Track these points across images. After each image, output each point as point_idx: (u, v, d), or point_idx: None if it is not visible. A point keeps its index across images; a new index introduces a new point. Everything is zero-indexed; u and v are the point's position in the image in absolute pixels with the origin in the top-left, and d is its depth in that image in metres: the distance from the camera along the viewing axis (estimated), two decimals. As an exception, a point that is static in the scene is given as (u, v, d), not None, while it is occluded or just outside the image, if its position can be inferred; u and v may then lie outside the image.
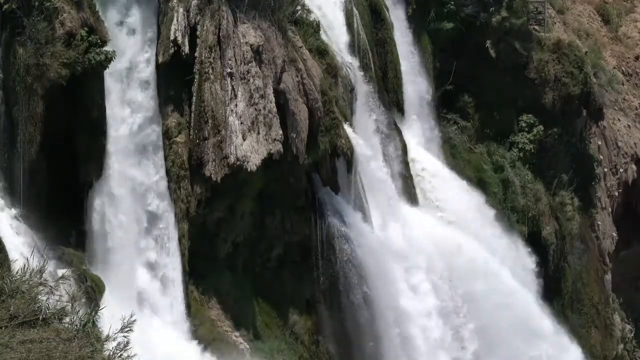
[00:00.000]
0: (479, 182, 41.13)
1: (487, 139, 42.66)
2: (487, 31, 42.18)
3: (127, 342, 13.27)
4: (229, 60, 29.25)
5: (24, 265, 13.70)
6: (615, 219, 48.47)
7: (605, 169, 47.58)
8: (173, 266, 28.69)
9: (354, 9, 36.31)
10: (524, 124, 43.04)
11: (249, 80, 29.59)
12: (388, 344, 33.29)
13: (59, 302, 13.72)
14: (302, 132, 30.69)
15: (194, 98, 28.88)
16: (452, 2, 40.73)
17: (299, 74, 31.13)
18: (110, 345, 13.20)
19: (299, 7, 33.00)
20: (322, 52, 33.56)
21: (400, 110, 38.95)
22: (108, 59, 26.45)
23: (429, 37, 41.02)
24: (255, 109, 29.51)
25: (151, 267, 28.47)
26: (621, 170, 48.80)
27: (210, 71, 28.94)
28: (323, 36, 34.27)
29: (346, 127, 33.31)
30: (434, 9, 40.82)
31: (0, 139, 26.09)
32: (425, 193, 38.57)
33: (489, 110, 42.66)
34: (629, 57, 52.34)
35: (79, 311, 13.74)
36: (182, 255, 28.80)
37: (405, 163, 37.33)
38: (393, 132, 37.02)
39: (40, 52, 25.64)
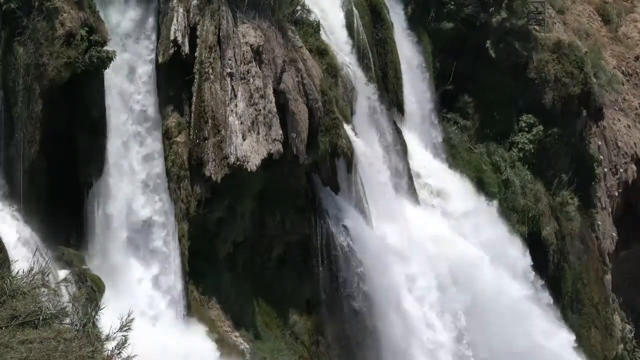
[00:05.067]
0: (478, 182, 41.14)
1: (487, 139, 42.66)
2: (487, 31, 42.18)
3: (125, 340, 13.27)
4: (229, 60, 29.26)
5: (31, 268, 13.71)
6: (615, 219, 48.46)
7: (605, 169, 47.57)
8: (173, 266, 28.68)
9: (354, 9, 36.31)
10: (524, 124, 43.03)
11: (249, 80, 29.59)
12: (388, 344, 33.29)
13: (59, 303, 13.72)
14: (302, 132, 30.69)
15: (194, 98, 28.88)
16: (452, 2, 40.74)
17: (299, 74, 31.13)
18: (110, 345, 13.21)
19: (299, 7, 33.01)
20: (322, 52, 33.56)
21: (400, 110, 38.94)
22: (108, 58, 26.46)
23: (429, 37, 41.02)
24: (255, 109, 29.52)
25: (151, 267, 28.47)
26: (621, 170, 48.79)
27: (210, 71, 28.94)
28: (323, 36, 34.27)
29: (346, 127, 33.31)
30: (434, 9, 40.83)
31: (1, 139, 26.08)
32: (425, 193, 38.57)
33: (489, 110, 42.65)
34: (629, 57, 52.33)
35: (79, 311, 13.74)
36: (182, 255, 28.80)
37: (405, 163, 37.33)
38: (393, 132, 37.01)
39: (40, 52, 25.65)
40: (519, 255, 40.24)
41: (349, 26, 36.12)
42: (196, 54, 28.98)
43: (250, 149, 29.16)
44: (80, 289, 24.49)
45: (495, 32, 42.21)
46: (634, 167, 49.47)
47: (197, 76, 28.89)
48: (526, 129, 43.02)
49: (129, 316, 13.22)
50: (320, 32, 34.12)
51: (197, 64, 28.93)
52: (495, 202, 40.84)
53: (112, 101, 27.59)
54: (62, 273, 24.84)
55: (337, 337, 33.02)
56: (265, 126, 29.65)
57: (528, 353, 37.98)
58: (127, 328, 13.23)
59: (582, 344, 42.31)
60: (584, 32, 49.45)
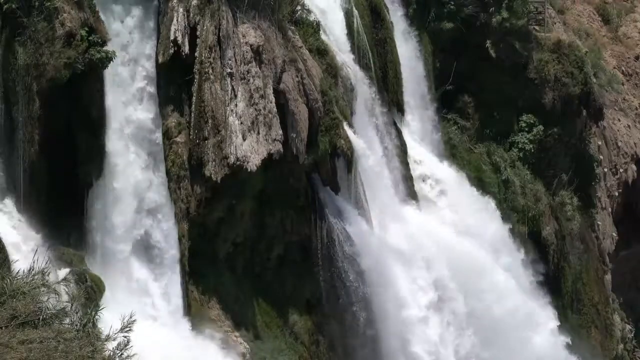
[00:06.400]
0: (478, 182, 41.14)
1: (487, 139, 42.66)
2: (487, 31, 42.18)
3: (127, 342, 13.27)
4: (229, 60, 29.25)
5: (30, 267, 13.71)
6: (615, 219, 48.48)
7: (605, 169, 47.58)
8: (173, 266, 28.67)
9: (354, 9, 36.31)
10: (524, 124, 43.04)
11: (249, 80, 29.59)
12: (387, 344, 33.30)
13: (59, 303, 13.72)
14: (302, 132, 30.69)
15: (194, 98, 28.87)
16: (452, 2, 40.73)
17: (299, 74, 31.13)
18: (111, 345, 13.20)
19: (298, 7, 33.00)
20: (322, 52, 33.56)
21: (400, 110, 38.96)
22: (108, 58, 26.46)
23: (429, 37, 41.02)
24: (255, 109, 29.51)
25: (151, 267, 28.46)
26: (621, 170, 48.82)
27: (210, 71, 28.93)
28: (323, 36, 34.26)
29: (346, 127, 33.32)
30: (434, 9, 40.83)
31: (1, 139, 26.08)
32: (424, 193, 38.58)
33: (489, 110, 42.66)
34: (629, 57, 52.36)
35: (78, 311, 13.74)
36: (182, 255, 28.79)
37: (405, 163, 37.34)
38: (393, 132, 37.02)
39: (40, 52, 25.63)
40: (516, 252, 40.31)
41: (349, 26, 36.11)
42: (196, 54, 28.96)
43: (250, 149, 29.16)
44: (80, 289, 24.48)
45: (495, 32, 42.21)
46: (634, 167, 49.51)
47: (197, 76, 28.88)
48: (526, 129, 43.02)
49: (131, 317, 13.22)
50: (320, 32, 34.12)
51: (197, 64, 28.92)
52: (494, 203, 40.88)
53: (112, 101, 27.57)
54: (62, 273, 24.81)
55: (337, 337, 33.02)
56: (265, 126, 29.64)
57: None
58: (128, 329, 13.22)
59: (582, 344, 42.31)
60: (584, 32, 49.46)
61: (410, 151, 37.89)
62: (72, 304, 13.90)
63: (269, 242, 31.75)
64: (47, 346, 12.40)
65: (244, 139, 29.11)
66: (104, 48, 26.43)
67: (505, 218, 40.86)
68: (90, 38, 26.23)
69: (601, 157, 46.97)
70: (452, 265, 36.01)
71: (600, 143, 47.29)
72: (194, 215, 29.06)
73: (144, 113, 28.44)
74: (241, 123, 29.13)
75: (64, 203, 26.68)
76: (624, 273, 49.82)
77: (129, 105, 28.19)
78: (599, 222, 46.59)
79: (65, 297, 14.31)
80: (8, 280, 13.52)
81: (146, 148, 28.54)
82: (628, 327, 48.91)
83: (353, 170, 33.32)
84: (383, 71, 38.10)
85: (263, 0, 30.48)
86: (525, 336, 38.26)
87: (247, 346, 29.97)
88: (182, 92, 29.22)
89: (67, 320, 13.41)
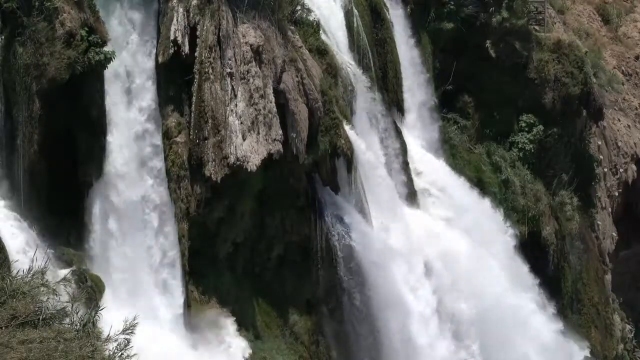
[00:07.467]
0: (478, 182, 41.15)
1: (487, 139, 42.67)
2: (487, 31, 42.19)
3: (128, 342, 13.27)
4: (229, 60, 29.25)
5: (29, 267, 13.71)
6: (615, 219, 48.49)
7: (605, 169, 47.60)
8: (173, 266, 28.67)
9: (354, 9, 36.32)
10: (524, 124, 43.06)
11: (249, 80, 29.59)
12: (388, 344, 33.31)
13: (59, 303, 13.72)
14: (302, 132, 30.69)
15: (194, 98, 28.87)
16: (452, 2, 40.73)
17: (299, 74, 31.13)
18: (111, 346, 13.20)
19: (298, 7, 33.00)
20: (322, 52, 33.56)
21: (400, 110, 38.96)
22: (107, 58, 26.46)
23: (429, 37, 41.02)
24: (255, 109, 29.51)
25: (151, 266, 28.47)
26: (621, 170, 48.83)
27: (210, 71, 28.93)
28: (323, 36, 34.26)
29: (346, 127, 33.32)
30: (434, 9, 40.83)
31: (1, 139, 26.09)
32: (424, 193, 38.58)
33: (489, 110, 42.67)
34: (629, 57, 52.37)
35: (79, 311, 13.74)
36: (182, 255, 28.79)
37: (405, 163, 37.34)
38: (393, 132, 37.03)
39: (40, 52, 25.65)
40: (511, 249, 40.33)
41: (349, 26, 36.11)
42: (196, 54, 28.96)
43: (250, 149, 29.16)
44: (80, 288, 24.49)
45: (495, 32, 42.22)
46: (634, 167, 49.52)
47: (197, 76, 28.87)
48: (526, 129, 43.04)
49: (133, 319, 13.21)
50: (320, 32, 34.12)
51: (197, 64, 28.91)
52: (493, 202, 40.89)
53: (112, 101, 27.57)
54: (62, 273, 24.83)
55: (337, 337, 33.03)
56: (265, 126, 29.65)
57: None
58: (130, 331, 13.22)
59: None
60: (584, 32, 49.47)
61: (410, 151, 37.88)
62: (72, 304, 13.90)
63: (269, 242, 31.76)
64: (47, 346, 12.40)
65: (244, 139, 29.11)
66: (104, 48, 26.43)
67: (504, 218, 40.87)
68: (90, 38, 26.24)
69: (601, 157, 46.99)
70: (452, 264, 36.03)
71: (600, 143, 47.30)
72: (194, 215, 29.06)
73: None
74: (241, 123, 29.14)
75: (64, 203, 26.69)
76: (624, 273, 49.84)
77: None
78: (599, 222, 46.60)
79: (65, 297, 14.31)
80: (8, 280, 13.52)
81: None
82: (628, 327, 48.93)
83: (353, 170, 33.32)
84: (383, 71, 38.10)
85: (263, 0, 30.47)
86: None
87: (247, 346, 29.98)
88: (182, 92, 29.22)
89: (67, 320, 13.40)
